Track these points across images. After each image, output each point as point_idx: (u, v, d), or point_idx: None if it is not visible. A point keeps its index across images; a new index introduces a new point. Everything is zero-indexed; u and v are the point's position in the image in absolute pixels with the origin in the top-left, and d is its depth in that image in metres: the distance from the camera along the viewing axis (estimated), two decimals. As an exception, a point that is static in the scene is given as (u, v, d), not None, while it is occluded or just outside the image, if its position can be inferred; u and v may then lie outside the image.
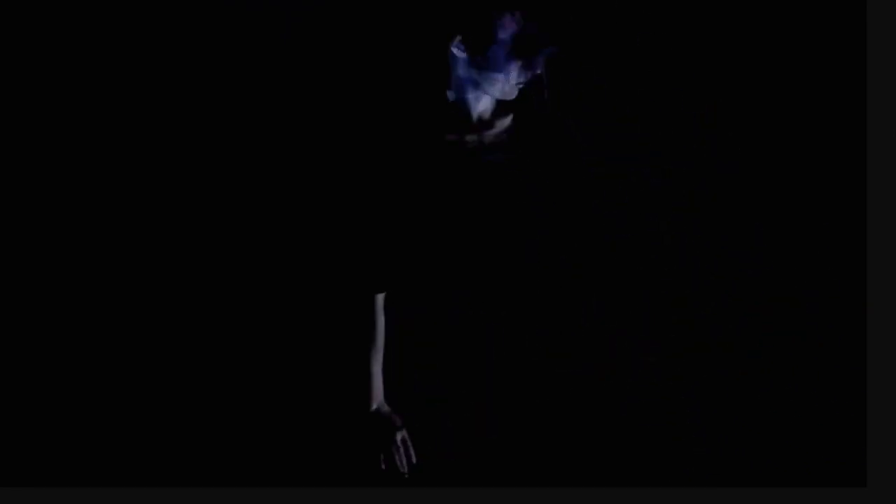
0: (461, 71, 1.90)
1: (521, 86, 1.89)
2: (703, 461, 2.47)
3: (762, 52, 2.62)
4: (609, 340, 2.30)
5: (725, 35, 2.63)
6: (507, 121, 1.98)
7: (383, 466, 2.05)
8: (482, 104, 1.96)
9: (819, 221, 2.56)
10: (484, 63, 1.86)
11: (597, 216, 2.37)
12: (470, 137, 1.96)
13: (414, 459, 2.06)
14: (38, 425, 2.50)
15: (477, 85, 1.91)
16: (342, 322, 2.41)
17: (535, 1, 1.86)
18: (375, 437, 2.05)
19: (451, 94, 1.94)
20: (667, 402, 2.48)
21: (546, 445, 2.41)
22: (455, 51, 1.87)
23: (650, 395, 2.42)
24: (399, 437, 2.06)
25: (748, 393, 2.50)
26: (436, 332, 2.17)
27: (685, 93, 2.64)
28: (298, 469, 2.49)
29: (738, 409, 2.50)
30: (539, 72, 1.86)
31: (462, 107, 1.95)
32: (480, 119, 1.96)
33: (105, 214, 2.56)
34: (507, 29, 1.83)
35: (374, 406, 2.07)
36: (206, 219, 2.58)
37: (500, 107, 1.97)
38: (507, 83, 1.88)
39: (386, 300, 2.10)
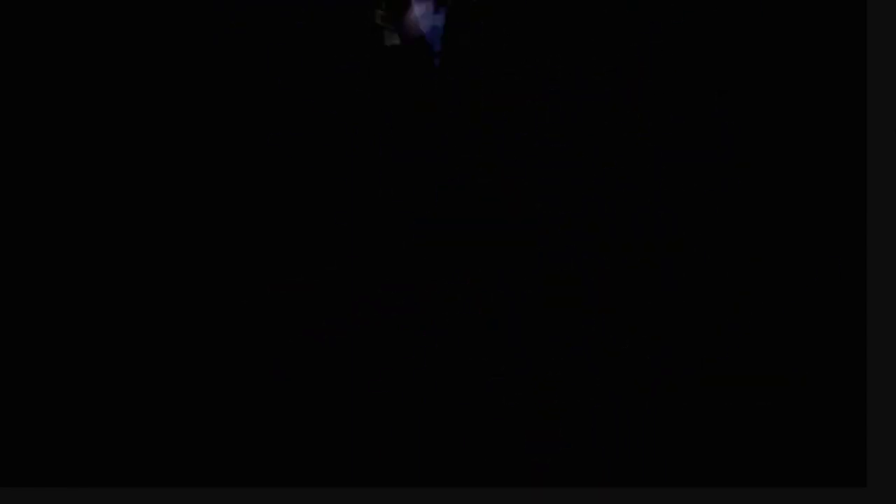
0: None
1: None
2: (704, 461, 2.47)
3: (762, 52, 2.62)
4: (608, 340, 2.30)
5: (724, 34, 2.63)
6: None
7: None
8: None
9: (819, 221, 2.56)
10: None
11: (594, 214, 2.37)
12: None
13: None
14: (38, 425, 2.50)
15: None
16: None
17: None
18: None
19: None
20: (666, 401, 2.48)
21: (546, 445, 2.41)
22: None
23: (650, 395, 2.42)
24: None
25: (748, 392, 2.50)
26: (435, 332, 2.17)
27: (684, 92, 2.65)
28: (298, 469, 2.49)
29: (737, 409, 2.50)
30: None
31: None
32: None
33: (106, 214, 2.57)
34: None
35: None
36: (205, 219, 2.58)
37: None
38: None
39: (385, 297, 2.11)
